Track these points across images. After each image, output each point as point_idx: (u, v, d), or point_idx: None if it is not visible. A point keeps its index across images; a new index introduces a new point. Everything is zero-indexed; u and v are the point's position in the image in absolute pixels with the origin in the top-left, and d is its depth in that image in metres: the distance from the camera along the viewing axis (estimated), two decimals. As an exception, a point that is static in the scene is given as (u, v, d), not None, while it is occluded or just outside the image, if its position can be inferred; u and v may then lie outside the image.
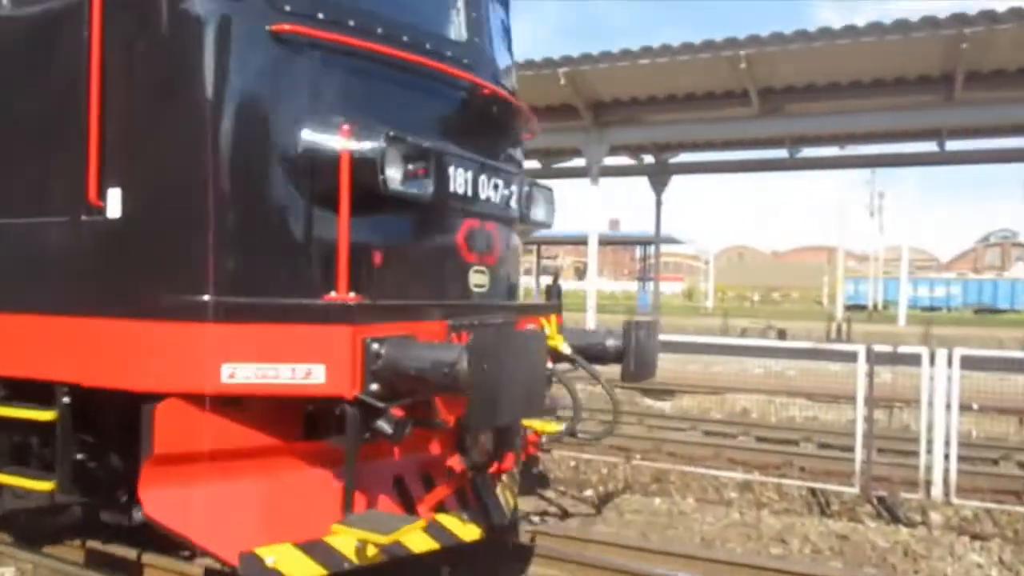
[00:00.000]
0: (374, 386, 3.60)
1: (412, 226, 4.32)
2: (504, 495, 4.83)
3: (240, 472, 3.77)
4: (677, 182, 26.86)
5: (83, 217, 3.86)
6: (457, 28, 4.80)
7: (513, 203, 4.98)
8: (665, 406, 12.30)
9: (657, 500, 7.46)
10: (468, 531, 4.39)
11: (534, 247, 59.17)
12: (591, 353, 5.17)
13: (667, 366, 13.51)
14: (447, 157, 4.31)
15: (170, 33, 3.75)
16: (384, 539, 3.57)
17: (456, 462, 4.38)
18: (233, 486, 3.75)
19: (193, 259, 3.63)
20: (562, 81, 14.11)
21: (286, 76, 3.86)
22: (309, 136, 3.85)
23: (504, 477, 4.91)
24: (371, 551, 3.80)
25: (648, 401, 12.46)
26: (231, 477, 3.75)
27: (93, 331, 3.83)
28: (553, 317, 5.11)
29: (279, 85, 3.84)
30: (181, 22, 3.71)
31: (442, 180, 4.24)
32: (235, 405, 3.71)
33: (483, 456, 4.31)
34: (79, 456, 4.11)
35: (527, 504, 6.86)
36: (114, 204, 3.79)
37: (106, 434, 4.14)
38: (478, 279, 4.70)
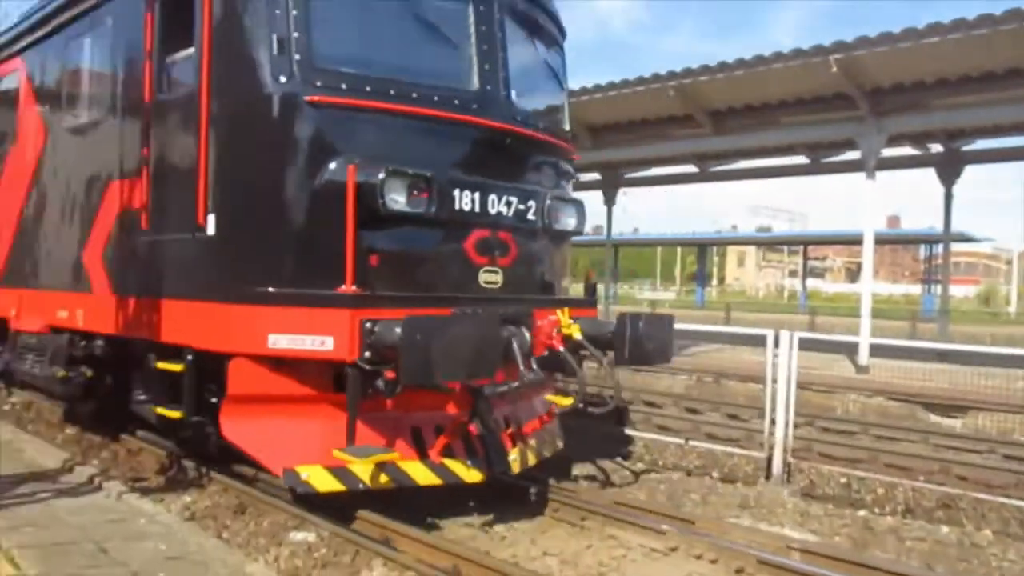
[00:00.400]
0: (367, 354, 5.01)
1: (420, 235, 5.61)
2: (523, 453, 6.07)
3: (288, 411, 5.40)
4: (972, 172, 23.90)
5: (199, 233, 5.62)
6: (469, 79, 5.89)
7: (531, 215, 6.11)
8: (955, 424, 10.98)
9: (944, 528, 6.68)
10: (471, 475, 5.75)
11: (800, 248, 56.09)
12: (601, 341, 6.21)
13: (955, 378, 12.20)
14: (452, 182, 5.55)
15: (245, 111, 5.49)
16: (360, 462, 5.17)
17: (465, 420, 5.68)
18: (282, 420, 5.37)
19: (253, 262, 5.39)
20: (833, 68, 13.19)
21: (320, 130, 5.34)
22: (333, 174, 5.28)
23: (531, 440, 6.22)
24: (383, 478, 5.32)
25: (934, 417, 11.20)
26: (281, 414, 5.38)
27: (201, 311, 5.58)
28: (566, 309, 6.18)
29: (315, 137, 5.33)
30: (253, 102, 5.42)
31: (445, 200, 5.51)
32: (281, 363, 5.29)
33: (491, 416, 5.66)
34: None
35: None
36: (211, 226, 5.56)
37: (211, 380, 5.76)
38: (489, 277, 5.88)
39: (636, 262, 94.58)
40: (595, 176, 22.53)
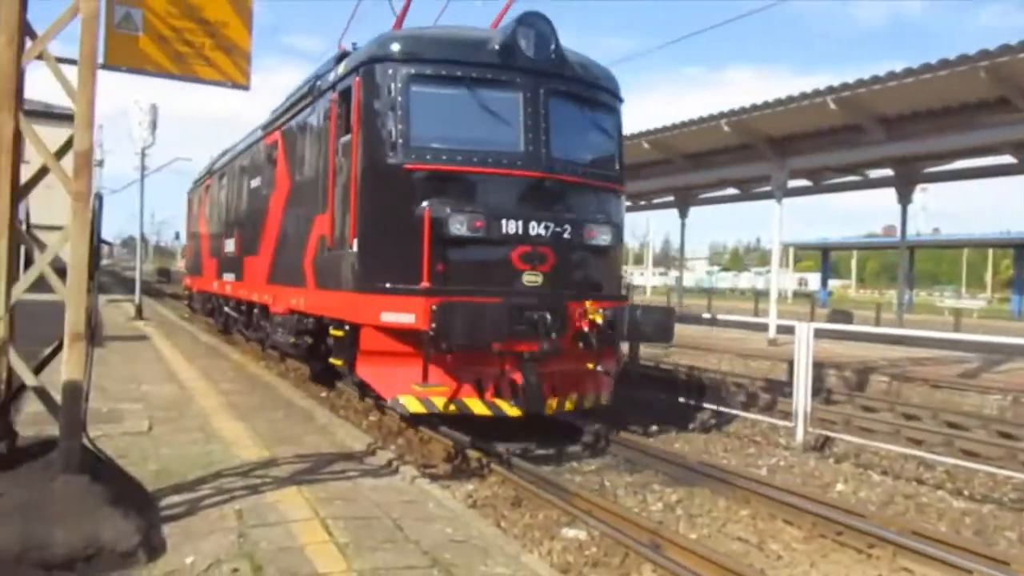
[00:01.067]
0: (434, 325, 7.46)
1: (478, 250, 8.08)
2: (560, 401, 8.51)
3: (392, 361, 8.05)
4: None
5: (348, 250, 8.52)
6: (518, 143, 8.34)
7: (566, 235, 8.37)
8: None
9: None
10: (512, 411, 8.11)
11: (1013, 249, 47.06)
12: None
13: None
14: (500, 215, 8.05)
15: (373, 175, 8.29)
16: (437, 392, 7.85)
17: (511, 374, 8.09)
18: (390, 366, 8.09)
19: (377, 267, 8.06)
20: None
21: (418, 187, 8.03)
22: (419, 212, 7.90)
23: (571, 393, 8.65)
24: (452, 407, 7.93)
25: None
26: (389, 363, 8.09)
27: (350, 298, 8.41)
28: (592, 302, 8.36)
29: (410, 189, 8.04)
30: (377, 170, 8.21)
31: (494, 227, 7.99)
32: (389, 331, 7.95)
33: (532, 373, 8.01)
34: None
35: None
36: (356, 244, 8.37)
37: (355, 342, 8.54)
38: (530, 278, 8.17)
39: (937, 265, 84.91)
40: (886, 172, 20.61)
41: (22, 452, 4.23)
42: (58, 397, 4.15)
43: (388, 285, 7.97)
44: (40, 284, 4.24)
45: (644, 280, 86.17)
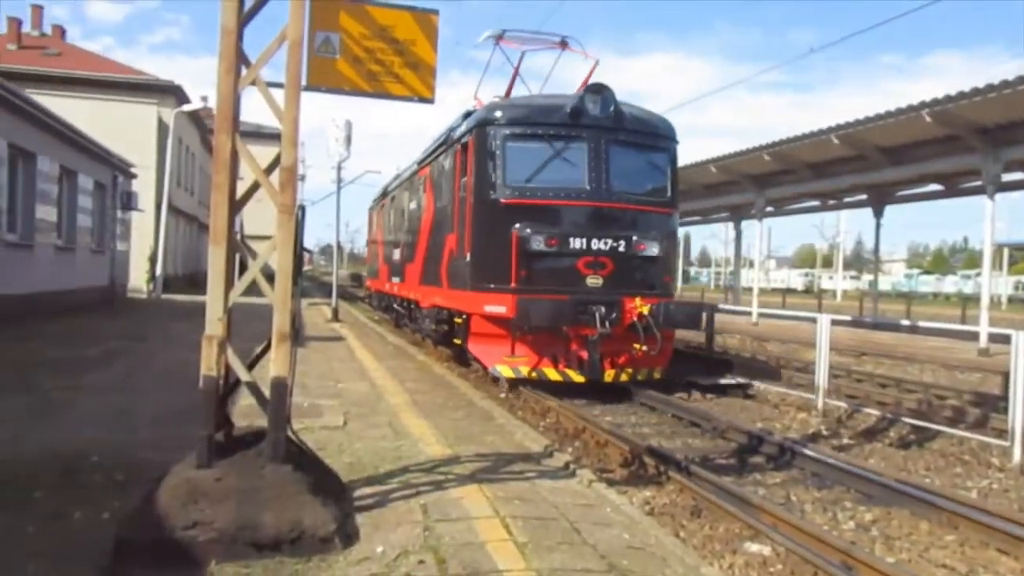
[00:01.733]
0: (518, 314, 10.45)
1: (552, 260, 11.12)
2: (616, 373, 11.50)
3: (491, 340, 11.26)
4: None
5: (466, 260, 11.77)
6: (583, 181, 11.42)
7: (621, 248, 11.28)
8: None
9: None
10: (578, 377, 11.18)
11: None
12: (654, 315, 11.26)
13: None
14: (570, 234, 11.13)
15: (482, 206, 11.53)
16: (511, 361, 11.15)
17: (581, 351, 11.11)
18: (490, 344, 11.29)
19: (483, 272, 11.31)
20: None
21: (511, 215, 11.13)
22: (511, 233, 11.06)
23: (630, 369, 11.62)
24: (533, 374, 11.22)
25: None
26: (489, 342, 11.29)
27: (466, 295, 11.62)
28: (641, 299, 11.25)
29: (504, 217, 11.13)
30: (485, 203, 11.49)
31: (565, 244, 11.07)
32: (490, 319, 11.04)
33: (596, 350, 10.99)
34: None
35: None
36: (469, 255, 11.65)
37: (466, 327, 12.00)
38: (593, 281, 11.13)
39: None
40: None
41: (237, 441, 4.65)
42: (267, 392, 4.54)
43: (491, 285, 11.31)
44: (250, 289, 4.66)
45: (834, 284, 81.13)
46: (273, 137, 5.21)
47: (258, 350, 4.84)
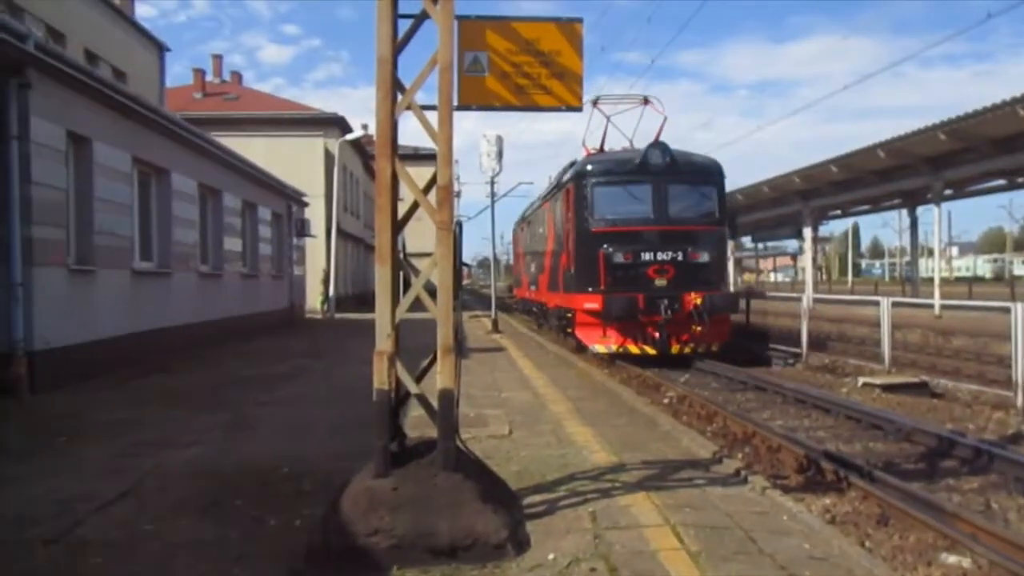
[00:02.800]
0: (605, 308, 15.58)
1: (628, 269, 16.01)
2: (680, 348, 15.98)
3: (590, 328, 16.32)
4: None
5: (571, 271, 17.26)
6: (649, 211, 16.49)
7: (680, 258, 15.94)
8: None
9: None
10: (651, 351, 15.89)
11: None
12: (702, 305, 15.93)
13: None
14: (641, 250, 16.07)
15: (579, 233, 16.86)
16: (603, 341, 16.20)
17: (654, 333, 15.86)
18: (589, 330, 16.36)
19: (582, 280, 16.54)
20: None
21: (600, 241, 16.24)
22: (600, 251, 16.13)
23: (688, 342, 16.04)
24: (619, 350, 16.05)
25: None
26: (588, 328, 16.37)
27: (571, 296, 17.12)
28: (695, 293, 15.82)
29: (595, 240, 16.30)
30: (581, 231, 16.76)
31: (638, 257, 16.02)
32: (588, 312, 16.18)
33: (664, 330, 15.86)
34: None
35: None
36: (573, 268, 17.11)
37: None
38: (660, 282, 15.88)
39: None
40: None
41: (410, 450, 4.84)
42: (435, 403, 4.70)
43: (590, 289, 16.12)
44: (415, 304, 4.85)
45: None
46: (429, 157, 5.41)
47: (425, 363, 5.01)
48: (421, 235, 15.69)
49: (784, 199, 36.25)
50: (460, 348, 4.83)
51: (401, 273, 4.88)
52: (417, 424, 6.45)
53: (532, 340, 21.15)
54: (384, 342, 4.74)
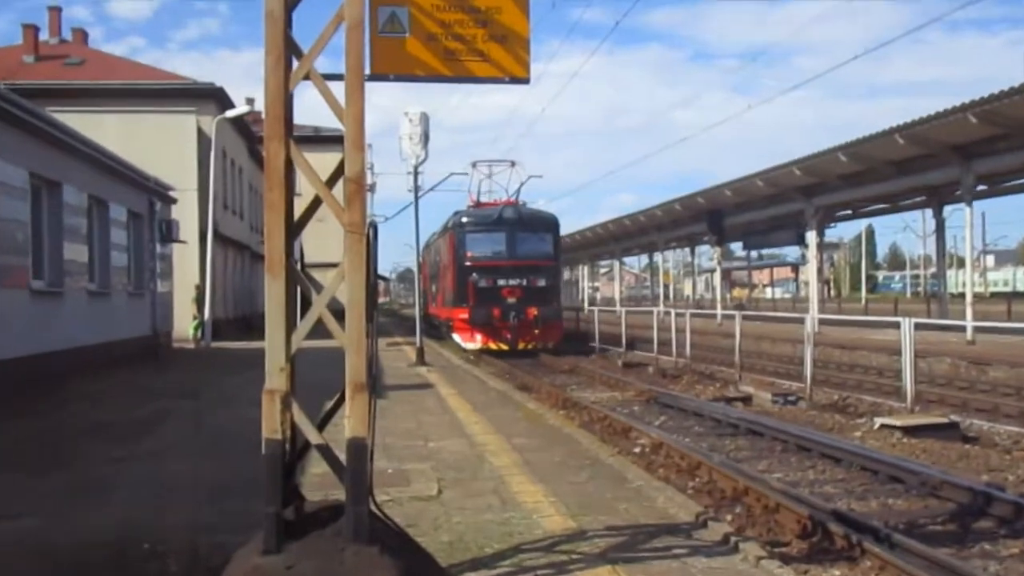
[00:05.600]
0: (471, 318, 33.48)
1: (490, 291, 32.58)
2: (526, 343, 32.31)
3: (466, 330, 32.97)
4: None
5: (452, 292, 35.74)
6: (503, 251, 33.70)
7: (525, 283, 32.82)
8: None
9: None
10: (504, 347, 31.88)
11: None
12: None
13: None
14: (498, 278, 32.76)
15: (457, 267, 34.05)
16: (472, 341, 32.58)
17: (506, 334, 32.42)
18: (464, 332, 32.99)
19: (457, 298, 34.74)
20: None
21: (470, 271, 33.12)
22: (470, 277, 33.02)
23: (531, 342, 32.22)
24: (482, 343, 32.44)
25: None
26: (464, 331, 33.02)
27: (452, 310, 34.60)
28: (535, 307, 33.05)
29: (470, 271, 33.11)
30: (460, 264, 33.81)
31: (495, 282, 32.71)
32: (461, 320, 34.58)
33: (514, 334, 32.70)
34: None
35: None
36: (452, 291, 35.59)
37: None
38: (511, 299, 32.40)
39: None
40: None
41: (310, 518, 4.78)
42: (343, 457, 4.66)
43: (464, 304, 32.18)
44: (317, 330, 4.81)
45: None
46: (334, 140, 5.40)
47: (329, 405, 4.98)
48: (324, 240, 15.54)
49: (782, 196, 37.13)
50: (375, 385, 4.80)
51: (299, 289, 4.85)
52: (320, 483, 6.39)
53: (468, 374, 21.17)
54: (276, 378, 4.69)
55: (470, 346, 31.26)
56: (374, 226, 4.84)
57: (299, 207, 4.87)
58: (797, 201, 36.12)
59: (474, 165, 38.59)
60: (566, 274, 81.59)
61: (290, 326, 4.75)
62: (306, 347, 4.85)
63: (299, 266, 4.93)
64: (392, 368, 22.05)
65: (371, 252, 4.75)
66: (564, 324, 34.97)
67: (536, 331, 31.62)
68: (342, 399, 4.73)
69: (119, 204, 23.54)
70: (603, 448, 10.69)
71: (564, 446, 10.70)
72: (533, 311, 31.40)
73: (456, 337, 32.39)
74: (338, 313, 4.71)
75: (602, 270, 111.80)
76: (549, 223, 34.83)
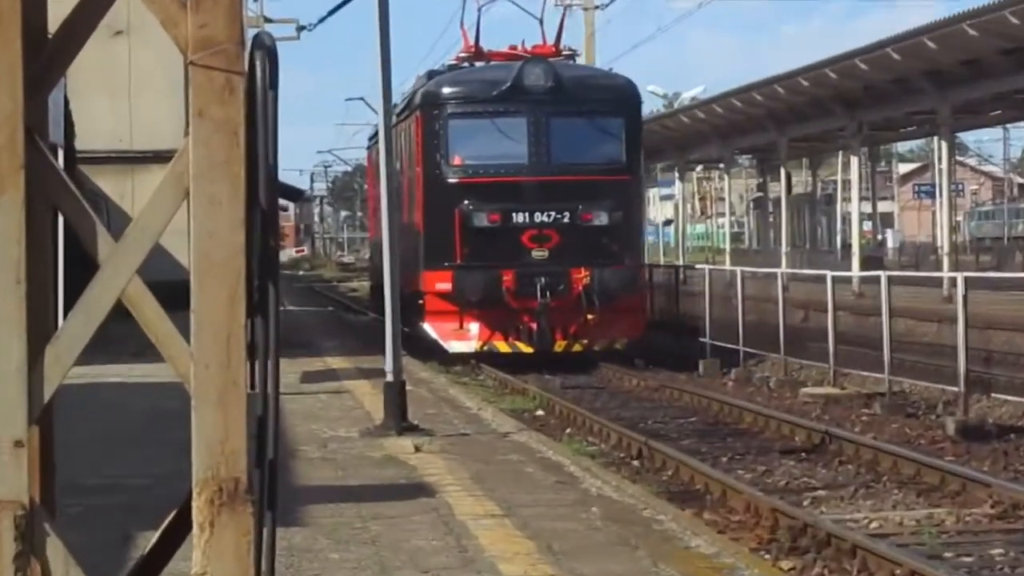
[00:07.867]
0: (460, 288, 27.60)
1: (496, 234, 23.84)
2: (569, 343, 24.35)
3: (448, 317, 24.93)
4: None
5: (418, 240, 28.52)
6: (523, 155, 23.60)
7: (566, 219, 22.70)
8: None
9: None
10: (526, 349, 24.24)
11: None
12: None
13: None
14: (513, 210, 23.68)
15: (432, 192, 27.13)
16: (467, 338, 26.39)
17: (533, 325, 24.62)
18: (446, 320, 24.92)
19: (430, 250, 26.00)
20: None
21: (457, 195, 24.95)
22: (459, 208, 25.46)
23: (581, 339, 23.74)
24: (474, 347, 27.26)
25: None
26: (445, 319, 24.95)
27: (421, 275, 25.84)
28: (587, 269, 25.10)
29: (457, 196, 24.80)
30: (426, 187, 26.82)
31: (508, 217, 23.46)
32: (443, 296, 29.38)
33: (544, 323, 25.03)
34: None
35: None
36: (416, 235, 28.70)
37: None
38: (538, 253, 23.32)
39: None
40: None
41: None
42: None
43: (446, 264, 22.37)
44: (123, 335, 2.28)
45: None
46: None
47: (155, 537, 2.42)
48: (134, 103, 9.18)
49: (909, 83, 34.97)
50: (274, 483, 2.23)
51: (60, 219, 2.28)
52: None
53: (523, 449, 12.33)
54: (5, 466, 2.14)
55: (458, 347, 18.97)
56: (266, 49, 2.30)
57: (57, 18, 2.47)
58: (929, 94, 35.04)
59: None
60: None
61: (44, 321, 2.27)
62: (92, 379, 2.56)
63: (60, 161, 2.39)
64: (325, 437, 13.12)
65: (265, 122, 2.28)
66: (648, 299, 19.54)
67: (590, 316, 18.54)
68: (181, 527, 2.17)
69: None
70: None
71: None
72: (584, 276, 18.42)
73: (429, 329, 18.95)
74: (174, 291, 2.54)
75: (661, 190, 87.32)
76: (619, 94, 20.19)
